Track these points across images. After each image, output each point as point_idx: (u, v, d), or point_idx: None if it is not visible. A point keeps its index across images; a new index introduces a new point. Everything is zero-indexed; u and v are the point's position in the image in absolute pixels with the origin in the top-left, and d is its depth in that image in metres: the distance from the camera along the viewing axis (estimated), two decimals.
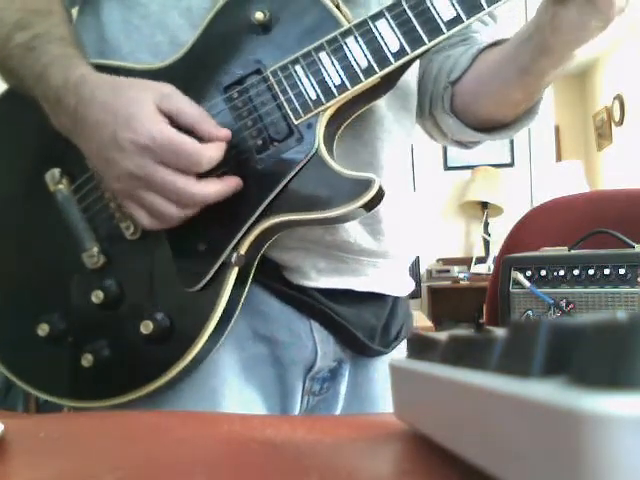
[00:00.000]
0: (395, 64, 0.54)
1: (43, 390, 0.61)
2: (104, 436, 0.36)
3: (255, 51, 0.57)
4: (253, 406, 0.61)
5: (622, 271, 0.94)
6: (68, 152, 0.59)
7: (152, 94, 0.53)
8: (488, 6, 0.53)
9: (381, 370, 0.71)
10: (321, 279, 0.63)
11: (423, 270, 3.56)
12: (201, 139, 0.54)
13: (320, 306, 0.63)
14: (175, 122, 0.53)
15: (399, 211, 0.68)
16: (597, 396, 0.12)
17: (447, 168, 3.79)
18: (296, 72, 0.55)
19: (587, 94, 5.45)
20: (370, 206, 0.54)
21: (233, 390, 0.60)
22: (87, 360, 0.58)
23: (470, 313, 3.37)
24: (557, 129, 4.86)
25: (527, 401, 0.15)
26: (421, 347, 0.29)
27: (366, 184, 0.53)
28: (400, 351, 0.74)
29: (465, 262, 3.62)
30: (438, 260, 3.66)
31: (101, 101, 0.53)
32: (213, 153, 0.53)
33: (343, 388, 0.68)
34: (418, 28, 0.54)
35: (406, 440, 0.30)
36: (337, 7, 0.57)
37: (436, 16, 0.54)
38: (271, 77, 0.56)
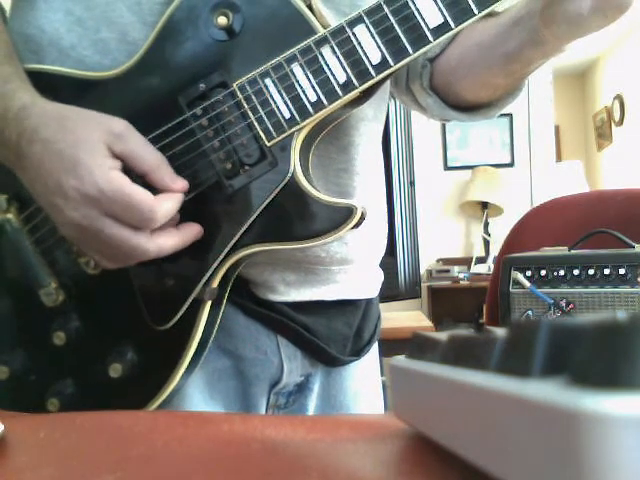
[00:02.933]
0: (377, 78, 0.49)
1: None
2: (104, 436, 0.36)
3: (219, 60, 0.51)
4: None
5: (622, 271, 0.94)
6: (16, 177, 0.51)
7: (103, 134, 0.47)
8: (479, 11, 0.48)
9: (353, 376, 0.69)
10: (290, 292, 0.60)
11: (423, 270, 3.56)
12: (155, 187, 0.49)
13: (288, 322, 0.60)
14: (127, 166, 0.48)
15: (372, 214, 0.64)
16: (597, 396, 0.12)
17: (447, 168, 3.79)
18: (267, 87, 0.50)
19: (587, 94, 5.45)
20: (351, 231, 0.51)
21: (196, 407, 0.57)
22: (53, 405, 0.54)
23: (470, 313, 3.38)
24: (557, 129, 4.86)
25: (527, 401, 0.15)
26: (421, 347, 0.29)
27: (347, 212, 0.49)
28: (369, 352, 0.72)
29: (465, 262, 3.62)
30: (438, 260, 3.66)
31: (45, 140, 0.47)
32: (169, 206, 0.48)
33: (311, 402, 0.65)
34: (402, 36, 0.48)
35: (406, 440, 0.30)
36: (309, 7, 0.51)
37: (421, 23, 0.48)
38: (239, 92, 0.50)
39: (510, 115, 3.68)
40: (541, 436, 0.14)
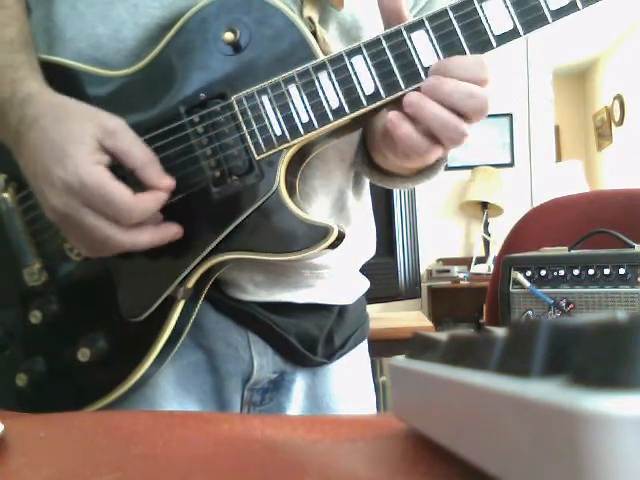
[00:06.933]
0: (367, 107, 0.51)
1: None
2: (104, 436, 0.36)
3: (221, 73, 0.53)
4: None
5: (622, 271, 0.94)
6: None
7: (96, 129, 0.50)
8: (471, 52, 0.50)
9: (340, 379, 0.69)
10: (259, 292, 0.61)
11: (423, 270, 3.55)
12: (143, 184, 0.51)
13: (258, 316, 0.61)
14: (118, 162, 0.50)
15: (348, 226, 0.65)
16: (597, 396, 0.12)
17: (447, 168, 3.72)
18: (262, 103, 0.52)
19: (587, 94, 5.45)
20: (326, 250, 0.52)
21: (169, 400, 0.58)
22: (21, 380, 0.56)
23: (470, 313, 3.37)
24: (557, 129, 4.86)
25: (527, 401, 0.15)
26: (421, 347, 0.29)
27: (324, 232, 0.51)
28: (356, 355, 0.71)
29: (465, 262, 3.62)
30: (438, 260, 3.66)
31: (41, 128, 0.50)
32: (148, 205, 0.50)
33: (291, 402, 0.65)
34: (396, 72, 0.50)
35: (406, 440, 0.30)
36: (314, 34, 0.53)
37: (416, 60, 0.50)
38: (236, 105, 0.52)
39: (510, 115, 3.68)
40: (541, 436, 0.14)
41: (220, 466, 0.28)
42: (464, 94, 0.47)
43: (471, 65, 0.48)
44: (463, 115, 0.48)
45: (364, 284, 0.73)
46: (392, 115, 0.50)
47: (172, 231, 0.52)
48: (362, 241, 0.71)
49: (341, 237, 0.52)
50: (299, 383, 0.66)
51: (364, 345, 0.74)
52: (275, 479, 0.26)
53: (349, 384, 0.70)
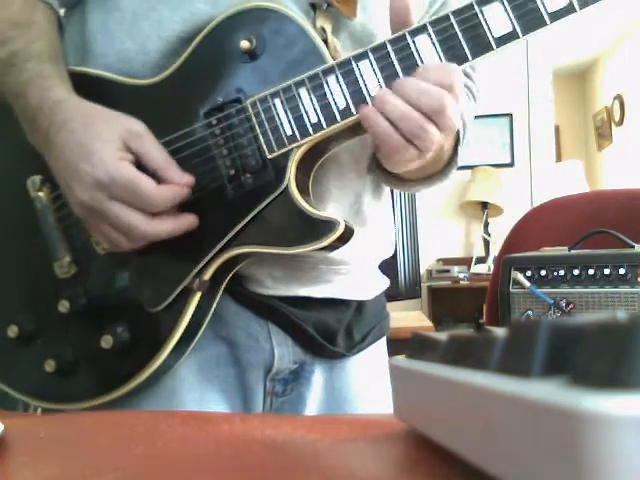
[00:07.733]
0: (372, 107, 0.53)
1: (15, 389, 0.62)
2: (104, 436, 0.36)
3: (238, 79, 0.57)
4: (214, 406, 0.61)
5: (622, 271, 0.94)
6: None
7: (122, 131, 0.54)
8: (473, 58, 0.52)
9: (359, 373, 0.70)
10: (278, 287, 0.63)
11: (423, 270, 3.55)
12: (164, 182, 0.55)
13: (277, 307, 0.63)
14: (140, 163, 0.54)
15: (366, 223, 0.67)
16: (597, 396, 0.12)
17: None
18: (275, 106, 0.55)
19: (587, 94, 5.45)
20: (334, 246, 0.54)
21: (192, 392, 0.60)
22: (50, 365, 0.60)
23: (470, 313, 3.37)
24: (557, 129, 4.86)
25: (527, 401, 0.15)
26: (421, 347, 0.29)
27: (330, 226, 0.54)
28: (374, 351, 0.73)
29: (465, 262, 3.62)
30: (438, 260, 3.66)
31: (70, 131, 0.54)
32: (170, 195, 0.54)
33: (311, 394, 0.67)
34: (400, 74, 0.53)
35: (406, 440, 0.30)
36: (325, 41, 0.57)
37: (419, 63, 0.53)
38: (250, 108, 0.56)
39: (510, 115, 3.68)
40: (541, 436, 0.14)
41: (220, 466, 0.28)
42: (417, 90, 0.51)
43: (440, 69, 0.51)
44: (424, 113, 0.51)
45: (383, 282, 0.75)
46: (368, 111, 0.52)
47: (189, 220, 0.56)
48: (380, 240, 0.73)
49: (349, 232, 0.55)
50: (318, 375, 0.68)
51: (383, 342, 0.76)
52: (275, 479, 0.26)
53: (367, 379, 0.72)
